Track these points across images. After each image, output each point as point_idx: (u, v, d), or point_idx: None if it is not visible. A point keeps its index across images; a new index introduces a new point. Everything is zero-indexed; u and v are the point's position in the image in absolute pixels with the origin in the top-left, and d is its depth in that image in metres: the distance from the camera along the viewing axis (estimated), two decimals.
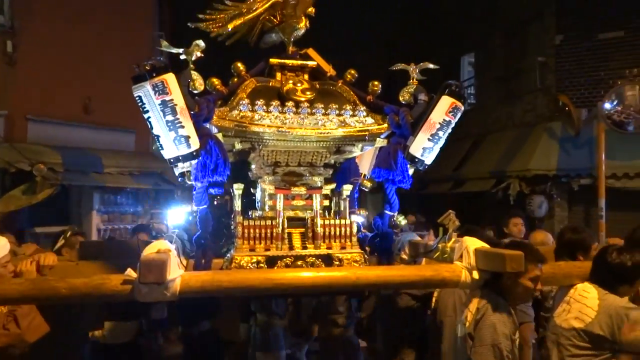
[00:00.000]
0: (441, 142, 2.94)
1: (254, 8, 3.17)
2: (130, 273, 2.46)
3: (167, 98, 2.64)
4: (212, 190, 3.39)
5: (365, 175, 3.45)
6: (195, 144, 2.72)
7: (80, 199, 11.73)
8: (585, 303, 2.74)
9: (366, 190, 3.34)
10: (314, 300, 3.68)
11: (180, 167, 2.86)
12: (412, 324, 3.77)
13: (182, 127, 2.68)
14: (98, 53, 12.01)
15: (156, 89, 2.63)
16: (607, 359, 2.69)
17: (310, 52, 3.29)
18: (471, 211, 9.49)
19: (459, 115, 2.93)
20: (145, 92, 2.65)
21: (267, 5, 3.17)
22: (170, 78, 2.65)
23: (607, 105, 9.34)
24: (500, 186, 10.54)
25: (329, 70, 3.27)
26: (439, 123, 2.89)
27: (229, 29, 3.20)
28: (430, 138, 2.90)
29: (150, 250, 2.48)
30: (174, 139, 2.69)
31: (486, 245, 2.62)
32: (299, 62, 3.22)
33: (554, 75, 10.81)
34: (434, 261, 2.93)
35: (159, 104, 2.64)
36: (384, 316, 3.88)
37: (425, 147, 2.91)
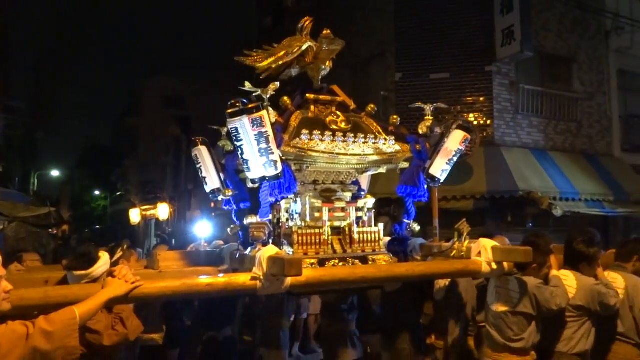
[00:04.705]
0: (452, 165, 3.86)
1: (293, 51, 3.79)
2: (256, 271, 2.97)
3: (263, 130, 3.14)
4: (241, 205, 3.96)
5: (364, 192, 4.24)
6: (279, 167, 3.26)
7: None
8: (567, 284, 3.73)
9: None
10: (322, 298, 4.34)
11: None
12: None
13: (272, 153, 3.21)
14: None
15: (255, 122, 3.12)
16: (585, 321, 3.71)
17: (335, 88, 4.01)
18: None
19: (467, 144, 3.88)
20: (241, 124, 3.14)
21: (302, 49, 3.82)
22: (265, 114, 3.17)
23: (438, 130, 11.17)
24: None
25: (351, 104, 4.01)
26: (454, 151, 3.79)
27: (263, 66, 3.78)
28: (447, 162, 3.80)
29: (269, 253, 3.00)
30: (265, 163, 3.20)
31: (498, 244, 3.59)
32: (330, 97, 3.93)
33: (395, 109, 12.33)
34: (440, 259, 3.81)
35: (255, 135, 3.14)
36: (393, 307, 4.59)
37: (443, 169, 3.80)
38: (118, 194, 41.91)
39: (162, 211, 17.85)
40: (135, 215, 17.93)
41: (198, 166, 3.91)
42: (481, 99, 12.22)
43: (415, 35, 12.47)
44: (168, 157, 30.67)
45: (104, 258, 3.12)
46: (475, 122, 12.01)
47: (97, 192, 47.47)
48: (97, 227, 42.82)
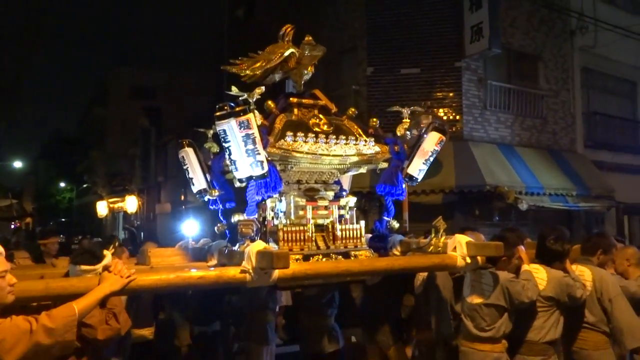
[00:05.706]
0: (429, 165, 4.05)
1: (276, 57, 3.93)
2: (245, 265, 3.12)
3: (250, 132, 3.28)
4: (227, 205, 4.10)
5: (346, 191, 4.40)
6: (265, 167, 3.40)
7: None
8: (538, 276, 3.96)
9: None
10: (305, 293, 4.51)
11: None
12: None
13: (259, 153, 3.35)
14: None
15: (242, 125, 3.26)
16: (554, 311, 3.95)
17: (317, 92, 4.16)
18: None
19: (442, 145, 4.07)
20: (229, 126, 3.28)
21: (285, 56, 3.96)
22: (252, 116, 3.31)
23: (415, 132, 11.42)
24: None
25: (333, 107, 4.17)
26: (431, 152, 3.98)
27: (249, 73, 3.92)
28: (424, 162, 3.98)
29: (257, 247, 3.15)
30: (252, 163, 3.34)
31: (473, 240, 3.80)
32: (312, 100, 4.08)
33: (366, 103, 12.50)
34: (418, 254, 4.01)
35: (242, 136, 3.27)
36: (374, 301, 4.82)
37: (420, 169, 3.98)
38: (84, 186, 40.98)
39: (130, 204, 17.78)
40: (102, 208, 17.85)
41: (185, 167, 4.03)
42: (450, 94, 12.45)
43: (386, 30, 12.64)
44: (137, 148, 30.26)
45: (109, 256, 3.25)
46: (445, 117, 12.23)
47: (62, 184, 46.41)
48: (63, 219, 42.08)
